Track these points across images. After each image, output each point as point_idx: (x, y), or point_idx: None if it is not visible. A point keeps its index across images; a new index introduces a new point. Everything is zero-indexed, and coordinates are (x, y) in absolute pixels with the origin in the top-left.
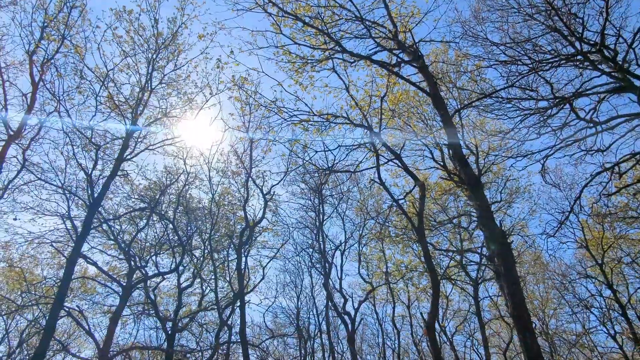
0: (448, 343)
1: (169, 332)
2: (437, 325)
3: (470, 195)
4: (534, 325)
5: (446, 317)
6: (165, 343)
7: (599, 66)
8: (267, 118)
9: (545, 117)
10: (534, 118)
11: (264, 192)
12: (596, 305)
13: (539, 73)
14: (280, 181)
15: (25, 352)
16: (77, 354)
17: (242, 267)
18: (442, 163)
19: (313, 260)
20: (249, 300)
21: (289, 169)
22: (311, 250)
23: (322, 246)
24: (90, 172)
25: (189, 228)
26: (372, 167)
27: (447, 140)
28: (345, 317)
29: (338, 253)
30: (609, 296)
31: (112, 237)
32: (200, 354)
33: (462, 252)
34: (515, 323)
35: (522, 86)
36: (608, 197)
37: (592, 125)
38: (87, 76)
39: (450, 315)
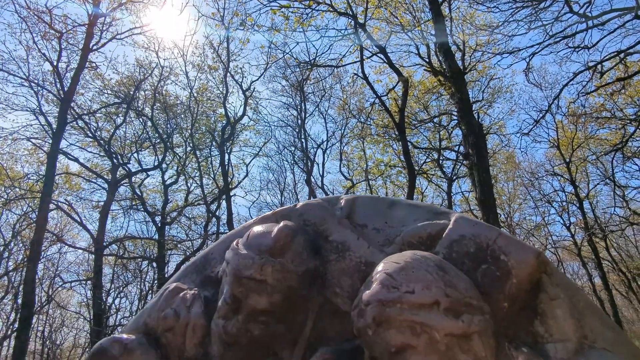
0: None
1: (159, 224)
2: None
3: (453, 94)
4: (499, 215)
5: None
6: (157, 234)
7: None
8: (244, 4)
9: (538, 10)
10: (526, 11)
11: (244, 89)
12: (557, 200)
13: None
14: (260, 76)
15: (21, 245)
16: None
17: (226, 164)
18: (427, 59)
19: (295, 158)
20: (235, 194)
21: (269, 63)
22: (293, 148)
23: (304, 144)
24: (55, 63)
25: (168, 125)
26: (355, 62)
27: (434, 32)
28: None
29: (320, 152)
30: (570, 192)
31: (90, 134)
32: (190, 243)
33: (440, 149)
34: (481, 207)
35: None
36: (586, 97)
37: (583, 20)
38: None
39: None
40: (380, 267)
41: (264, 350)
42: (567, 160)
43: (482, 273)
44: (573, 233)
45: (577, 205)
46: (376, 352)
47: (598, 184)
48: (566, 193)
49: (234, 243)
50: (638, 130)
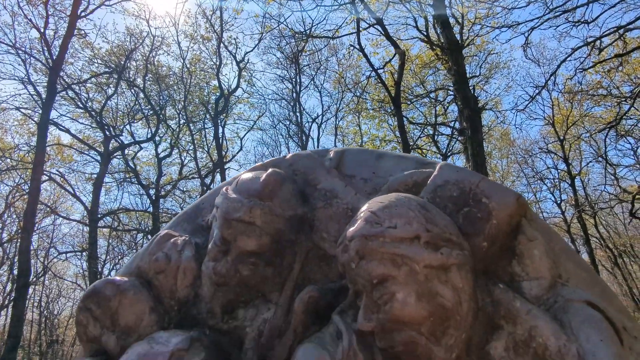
0: None
1: (153, 197)
2: None
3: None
4: None
5: None
6: (151, 207)
7: None
8: None
9: None
10: None
11: (238, 60)
12: (550, 177)
13: None
14: (254, 47)
15: (14, 216)
16: (67, 217)
17: (220, 137)
18: (425, 33)
19: (290, 132)
20: (229, 168)
21: (264, 34)
22: (288, 122)
23: (299, 118)
24: (43, 30)
25: (161, 97)
26: (352, 33)
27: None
28: None
29: (315, 126)
30: (562, 169)
31: (80, 105)
32: None
33: (435, 125)
34: None
35: None
36: (583, 73)
37: None
38: None
39: None
40: (364, 207)
41: (253, 291)
42: (561, 137)
43: (464, 215)
44: (563, 210)
45: (569, 182)
46: (359, 285)
47: (590, 161)
48: (559, 170)
49: (223, 189)
50: (632, 108)
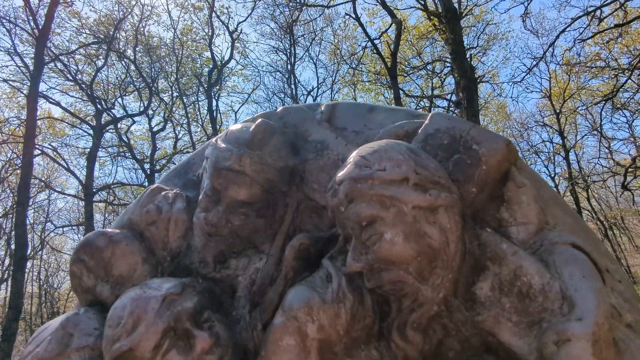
0: None
1: (148, 172)
2: None
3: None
4: None
5: None
6: (146, 181)
7: None
8: None
9: None
10: None
11: (230, 30)
12: (544, 151)
13: None
14: (247, 17)
15: (9, 191)
16: (61, 192)
17: (214, 110)
18: (422, 2)
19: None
20: None
21: (257, 2)
22: (283, 95)
23: (294, 91)
24: None
25: (152, 69)
26: (347, 2)
27: None
28: None
29: (310, 99)
30: (557, 143)
31: (70, 77)
32: None
33: (432, 97)
34: None
35: None
36: (582, 44)
37: None
38: None
39: None
40: (354, 152)
41: (245, 242)
42: (558, 111)
43: (454, 162)
44: (557, 184)
45: (564, 156)
46: (348, 229)
47: (585, 135)
48: (554, 144)
49: (213, 140)
50: (629, 80)
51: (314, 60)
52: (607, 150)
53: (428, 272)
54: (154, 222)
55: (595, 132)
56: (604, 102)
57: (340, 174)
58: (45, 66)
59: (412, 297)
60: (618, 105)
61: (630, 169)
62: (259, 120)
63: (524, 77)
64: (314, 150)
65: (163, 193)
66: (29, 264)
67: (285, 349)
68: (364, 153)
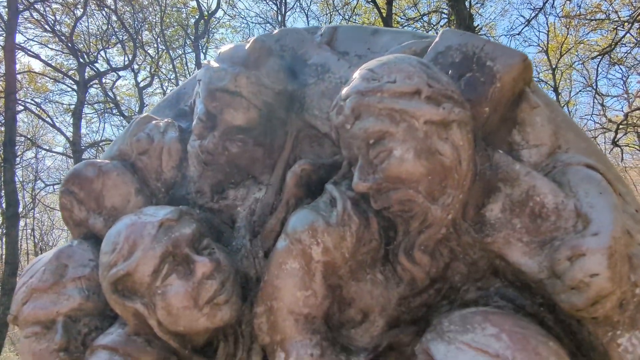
0: None
1: None
2: None
3: None
4: None
5: None
6: None
7: None
8: None
9: None
10: None
11: None
12: None
13: None
14: None
15: None
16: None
17: (202, 64)
18: None
19: None
20: None
21: None
22: None
23: None
24: None
25: (135, 19)
26: None
27: None
28: None
29: None
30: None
31: (48, 28)
32: None
33: None
34: None
35: None
36: None
37: None
38: None
39: None
40: (361, 67)
41: (243, 173)
42: (554, 66)
43: (466, 81)
44: None
45: None
46: (354, 148)
47: (580, 91)
48: None
49: (206, 62)
50: (628, 34)
51: (306, 11)
52: (600, 107)
53: (438, 191)
54: (146, 151)
55: (589, 88)
56: (601, 56)
57: (346, 89)
58: (21, 15)
59: (421, 218)
60: (615, 60)
61: (621, 126)
62: (256, 37)
63: (522, 29)
64: (314, 74)
65: (154, 122)
66: (22, 223)
67: (289, 272)
68: (371, 66)
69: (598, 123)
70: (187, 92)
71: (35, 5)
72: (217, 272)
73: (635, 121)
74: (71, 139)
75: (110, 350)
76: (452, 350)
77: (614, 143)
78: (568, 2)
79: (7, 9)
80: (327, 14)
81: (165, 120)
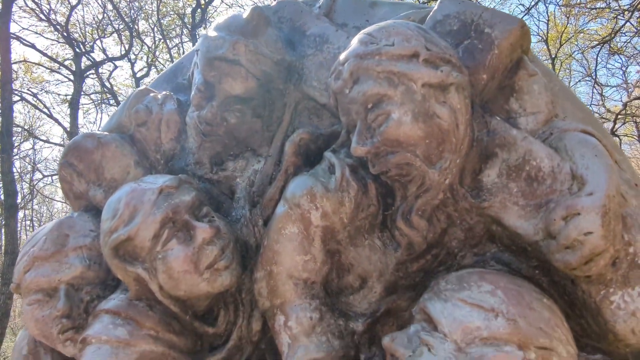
0: None
1: None
2: None
3: None
4: None
5: None
6: None
7: None
8: None
9: None
10: None
11: None
12: None
13: None
14: None
15: None
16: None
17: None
18: None
19: None
20: None
21: None
22: None
23: None
24: None
25: (131, 8)
26: None
27: None
28: None
29: None
30: None
31: (43, 17)
32: None
33: None
34: None
35: None
36: None
37: None
38: None
39: None
40: (360, 32)
41: (242, 145)
42: (553, 56)
43: (464, 48)
44: None
45: None
46: (352, 113)
47: (579, 81)
48: None
49: (203, 31)
50: (628, 23)
51: None
52: (599, 97)
53: (436, 155)
54: (145, 122)
55: (588, 78)
56: (600, 45)
57: (344, 53)
58: (15, 4)
59: (418, 182)
60: (615, 50)
61: (620, 115)
62: (253, 7)
63: (522, 17)
64: (312, 45)
65: (152, 94)
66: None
67: (289, 237)
68: (369, 30)
69: (597, 113)
70: (185, 65)
71: None
72: (217, 239)
73: (634, 111)
74: (68, 129)
75: (113, 315)
76: (448, 307)
77: (613, 133)
78: None
79: None
80: None
81: (164, 92)
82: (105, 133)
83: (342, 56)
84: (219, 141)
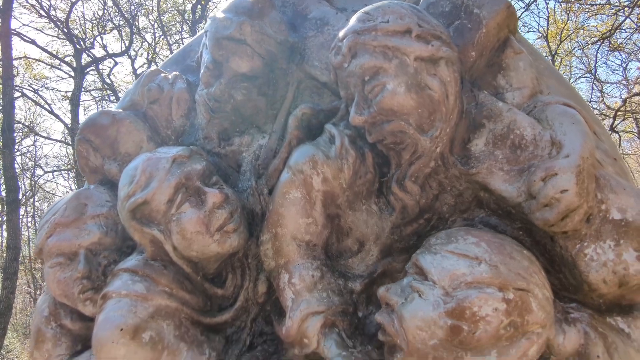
0: None
1: None
2: None
3: None
4: None
5: None
6: None
7: None
8: None
9: None
10: None
11: None
12: None
13: None
14: None
15: None
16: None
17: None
18: None
19: None
20: None
21: None
22: None
23: None
24: None
25: (131, 4)
26: None
27: None
28: None
29: None
30: None
31: (43, 13)
32: None
33: None
34: None
35: None
36: None
37: None
38: None
39: None
40: (357, 12)
41: (247, 122)
42: (553, 53)
43: (454, 28)
44: None
45: None
46: (351, 86)
47: (579, 77)
48: None
49: (212, 14)
50: (628, 19)
51: None
52: (599, 93)
53: (427, 124)
54: (157, 99)
55: (588, 74)
56: (600, 41)
57: (343, 30)
58: (15, 0)
59: (412, 150)
60: (615, 46)
61: (619, 112)
62: None
63: (522, 14)
64: (314, 27)
65: (162, 74)
66: (22, 211)
67: (292, 201)
68: (366, 9)
69: (596, 109)
70: (193, 49)
71: None
72: (227, 204)
73: (633, 107)
74: (69, 125)
75: (131, 272)
76: (437, 258)
77: (612, 129)
78: None
79: None
80: None
81: (174, 72)
82: (120, 110)
83: (341, 33)
84: (226, 117)
